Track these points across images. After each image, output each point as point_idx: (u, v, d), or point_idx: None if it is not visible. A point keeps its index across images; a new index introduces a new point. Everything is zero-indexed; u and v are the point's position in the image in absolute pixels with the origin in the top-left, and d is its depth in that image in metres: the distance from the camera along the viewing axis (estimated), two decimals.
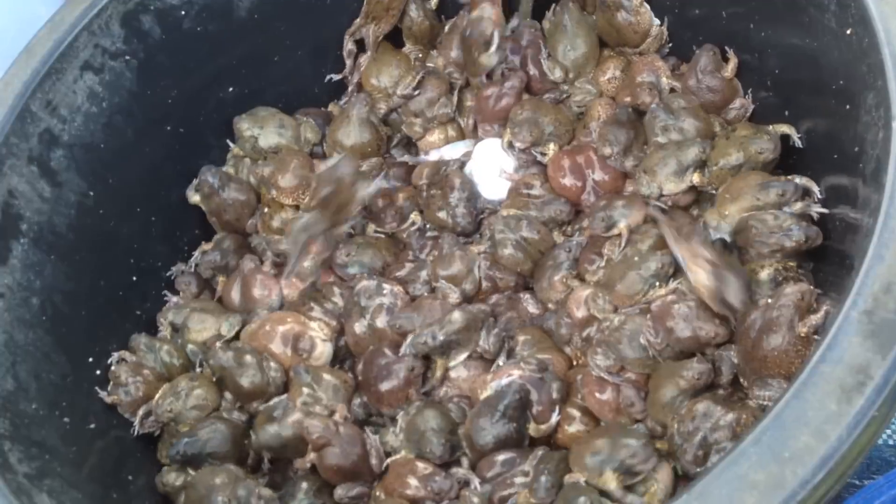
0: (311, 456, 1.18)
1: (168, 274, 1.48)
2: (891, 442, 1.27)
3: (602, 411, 1.16)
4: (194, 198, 1.50)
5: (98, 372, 1.30)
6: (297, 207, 1.46)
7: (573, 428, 1.16)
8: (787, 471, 0.75)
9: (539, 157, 1.39)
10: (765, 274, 1.13)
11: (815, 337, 1.02)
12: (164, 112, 1.44)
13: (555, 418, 1.15)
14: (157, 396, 1.29)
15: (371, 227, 1.44)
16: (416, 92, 1.51)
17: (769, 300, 1.07)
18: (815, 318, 1.02)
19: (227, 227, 1.51)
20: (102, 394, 1.28)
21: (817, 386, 0.78)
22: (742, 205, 1.18)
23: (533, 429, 1.15)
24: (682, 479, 1.05)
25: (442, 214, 1.39)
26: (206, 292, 1.48)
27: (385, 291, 1.29)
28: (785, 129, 1.23)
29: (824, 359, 0.80)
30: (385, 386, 1.22)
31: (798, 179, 1.17)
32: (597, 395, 1.15)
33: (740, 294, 1.08)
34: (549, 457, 1.09)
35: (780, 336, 1.03)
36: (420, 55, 1.58)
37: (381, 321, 1.27)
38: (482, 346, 1.22)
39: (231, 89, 1.53)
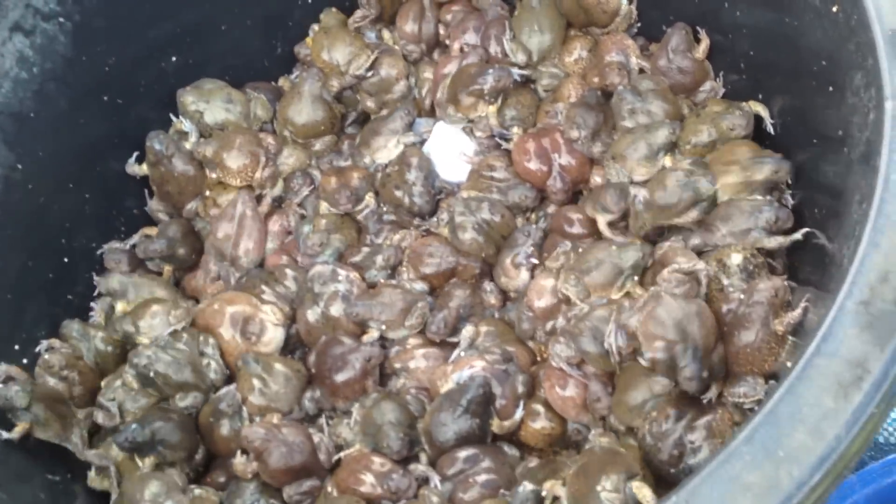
0: (254, 465, 1.11)
1: (100, 252, 1.40)
2: None
3: (565, 408, 1.11)
4: (136, 169, 1.42)
5: (25, 361, 1.23)
6: (249, 188, 1.38)
7: (538, 424, 1.11)
8: (783, 471, 0.71)
9: (503, 144, 1.34)
10: (734, 260, 1.07)
11: (791, 338, 0.99)
12: (100, 80, 1.37)
13: (519, 414, 1.10)
14: (103, 386, 1.22)
15: (324, 206, 1.37)
16: (370, 73, 1.45)
17: (741, 295, 1.03)
18: (793, 316, 0.99)
19: (167, 198, 1.43)
20: None
21: (813, 381, 0.74)
22: (729, 180, 1.13)
23: (496, 425, 1.11)
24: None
25: (398, 193, 1.33)
26: (139, 272, 1.39)
27: (340, 278, 1.23)
28: (759, 109, 1.19)
29: (819, 352, 0.75)
30: (340, 377, 1.16)
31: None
32: (559, 390, 1.10)
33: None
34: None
35: (752, 333, 1.01)
36: (379, 36, 1.52)
37: (335, 309, 1.21)
38: (431, 330, 1.19)
39: (174, 59, 1.46)
